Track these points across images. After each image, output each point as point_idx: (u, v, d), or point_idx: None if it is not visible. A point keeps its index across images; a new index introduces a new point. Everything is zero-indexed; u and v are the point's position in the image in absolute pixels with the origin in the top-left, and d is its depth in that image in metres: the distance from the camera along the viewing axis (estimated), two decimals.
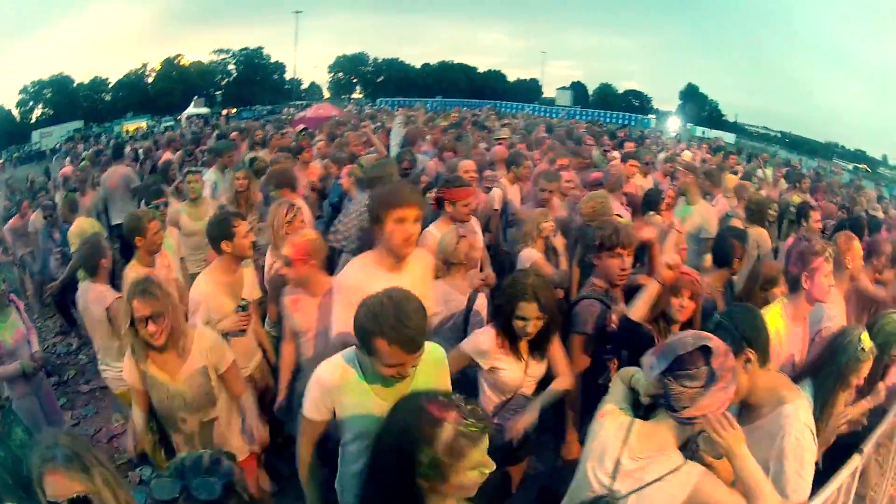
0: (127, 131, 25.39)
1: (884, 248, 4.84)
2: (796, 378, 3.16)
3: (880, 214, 10.88)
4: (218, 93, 30.57)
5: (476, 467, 1.87)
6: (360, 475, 2.45)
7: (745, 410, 2.50)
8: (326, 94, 32.76)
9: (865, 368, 3.00)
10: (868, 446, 3.36)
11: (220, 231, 4.03)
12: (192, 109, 28.02)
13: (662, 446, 2.13)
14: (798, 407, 2.37)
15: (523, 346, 3.27)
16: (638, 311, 3.26)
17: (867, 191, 14.73)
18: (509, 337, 3.21)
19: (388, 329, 2.23)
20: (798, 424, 2.32)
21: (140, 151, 13.40)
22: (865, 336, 3.04)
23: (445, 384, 2.68)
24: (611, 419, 2.27)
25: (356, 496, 2.54)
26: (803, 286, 3.27)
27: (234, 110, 29.52)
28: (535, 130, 12.89)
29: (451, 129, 12.42)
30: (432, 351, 2.60)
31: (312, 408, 2.57)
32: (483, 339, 3.26)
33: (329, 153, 9.02)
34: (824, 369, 3.12)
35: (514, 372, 3.26)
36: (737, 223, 5.75)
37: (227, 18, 28.78)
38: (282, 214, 4.37)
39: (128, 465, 4.17)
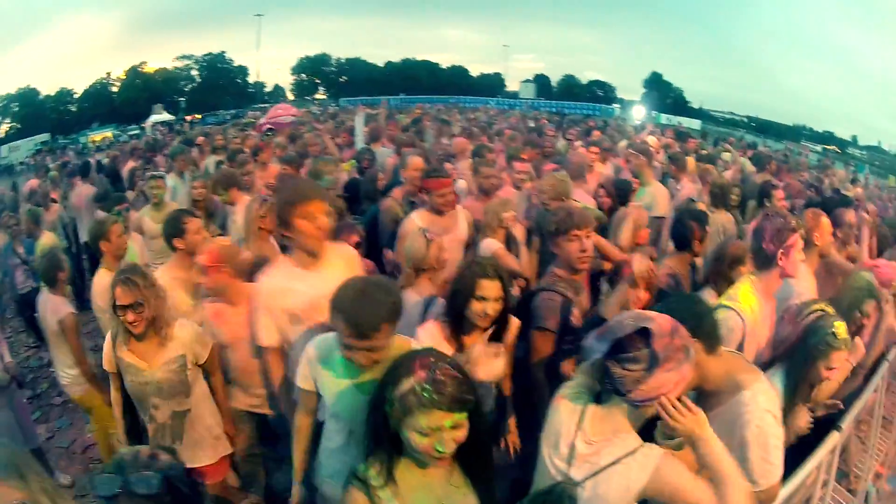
0: (93, 142, 25.48)
1: (848, 222, 4.86)
2: (772, 360, 3.17)
3: (853, 194, 10.97)
4: (182, 99, 30.72)
5: (424, 434, 1.90)
6: (335, 453, 2.70)
7: (702, 398, 2.43)
8: (290, 97, 32.97)
9: (836, 358, 2.91)
10: (847, 423, 3.38)
11: (172, 229, 4.27)
12: (156, 117, 28.07)
13: (617, 429, 2.10)
14: (756, 392, 2.32)
15: (470, 339, 3.13)
16: (613, 310, 3.23)
17: (836, 170, 14.94)
18: (455, 328, 3.11)
19: (344, 306, 2.36)
20: (758, 411, 2.28)
21: (103, 162, 13.25)
22: (841, 326, 2.97)
23: None
24: (565, 403, 2.24)
25: (332, 473, 2.71)
26: (778, 263, 3.24)
27: (199, 116, 29.68)
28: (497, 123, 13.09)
29: (412, 126, 12.73)
30: None
31: (301, 377, 2.72)
32: (424, 334, 3.14)
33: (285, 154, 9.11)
34: (795, 352, 3.06)
35: None
36: (701, 207, 5.72)
37: (189, 24, 28.81)
38: (255, 209, 4.48)
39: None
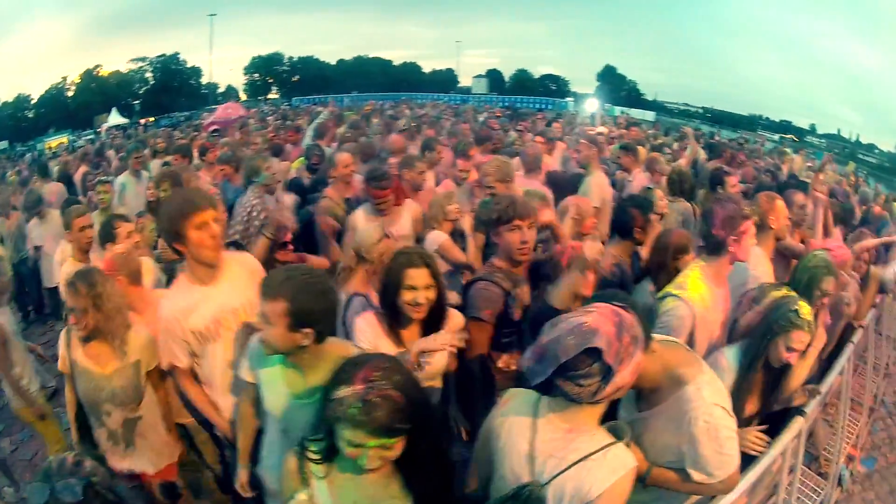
0: (49, 148, 25.47)
1: (800, 205, 4.88)
2: (730, 341, 3.17)
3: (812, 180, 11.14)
4: (136, 102, 31.12)
5: (350, 444, 1.90)
6: (272, 446, 2.77)
7: (644, 395, 2.39)
8: (243, 97, 33.49)
9: (797, 338, 2.88)
10: (810, 408, 3.36)
11: (103, 233, 4.41)
12: (111, 121, 28.02)
13: (578, 424, 2.03)
14: (700, 386, 2.25)
15: (409, 335, 3.10)
16: (562, 298, 3.21)
17: (794, 157, 15.18)
18: (392, 321, 3.09)
19: (289, 295, 2.35)
20: (704, 406, 2.21)
21: (55, 168, 13.02)
22: (805, 306, 2.95)
23: None
24: (516, 400, 2.19)
25: (270, 465, 2.78)
26: (728, 249, 3.23)
27: (153, 119, 29.79)
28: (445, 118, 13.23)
29: (360, 122, 12.78)
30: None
31: (243, 368, 2.78)
32: (362, 322, 3.15)
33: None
34: (755, 329, 3.04)
35: None
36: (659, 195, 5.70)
37: (144, 25, 29.33)
38: None
39: None
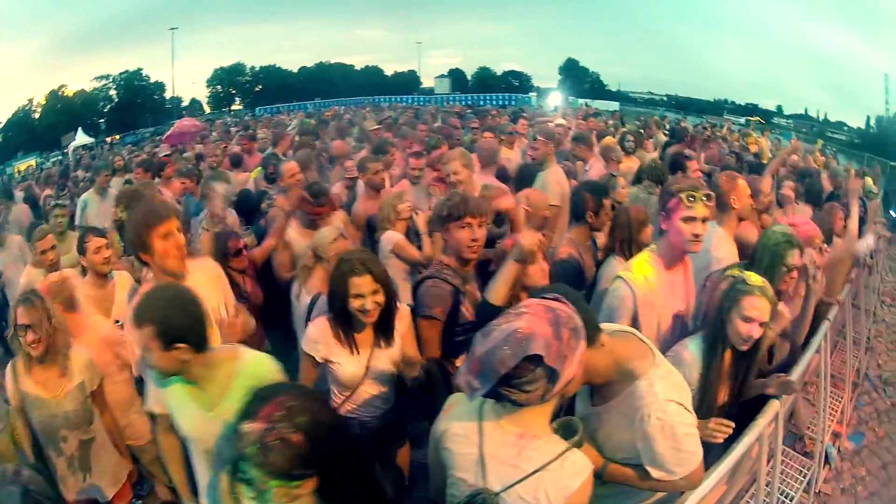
0: (18, 171, 24.92)
1: (763, 188, 4.83)
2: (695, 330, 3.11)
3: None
4: (101, 120, 30.69)
5: (253, 480, 1.83)
6: (199, 471, 2.75)
7: (596, 391, 2.32)
8: (207, 109, 33.37)
9: (749, 305, 2.80)
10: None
11: (78, 248, 4.46)
12: (77, 141, 27.64)
13: (529, 427, 1.96)
14: (652, 380, 2.17)
15: (364, 337, 3.18)
16: (499, 293, 3.10)
17: (759, 138, 15.28)
18: (345, 327, 3.14)
19: (153, 318, 2.39)
20: (656, 402, 2.13)
21: (20, 192, 13.01)
22: (752, 274, 2.91)
23: None
24: (460, 405, 2.12)
25: (204, 491, 2.77)
26: (661, 227, 3.21)
27: (118, 137, 29.68)
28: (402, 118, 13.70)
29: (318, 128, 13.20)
30: (256, 363, 2.69)
31: (151, 399, 2.80)
32: (314, 329, 3.21)
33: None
34: (710, 313, 2.97)
35: (350, 366, 3.17)
36: (621, 182, 5.65)
37: (106, 42, 28.86)
38: None
39: None
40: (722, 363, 2.89)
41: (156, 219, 3.10)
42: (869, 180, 12.61)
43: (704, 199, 3.07)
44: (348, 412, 3.27)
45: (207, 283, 3.36)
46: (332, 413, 1.94)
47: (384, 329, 3.19)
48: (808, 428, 5.18)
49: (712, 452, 2.74)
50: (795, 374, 3.46)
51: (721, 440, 2.75)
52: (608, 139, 8.09)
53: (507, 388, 1.81)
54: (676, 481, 2.21)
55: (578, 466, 1.93)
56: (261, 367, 2.67)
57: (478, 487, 1.96)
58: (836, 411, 5.60)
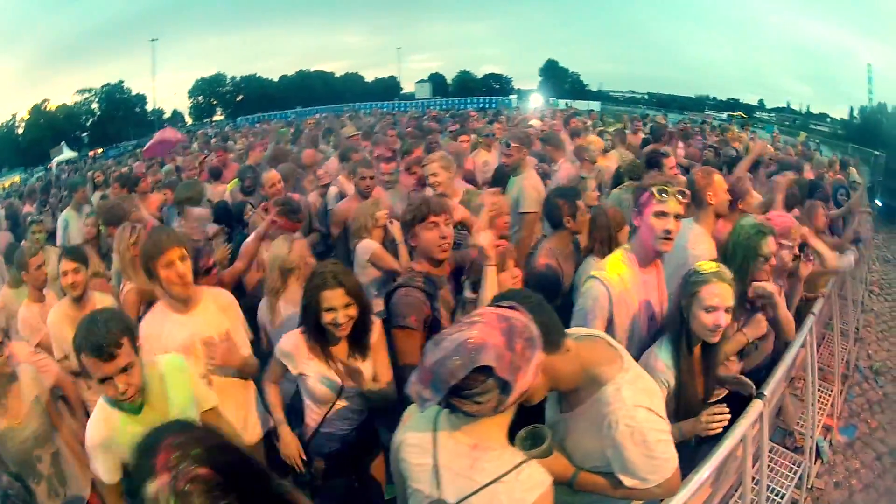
0: (3, 188, 24.88)
1: (742, 185, 4.79)
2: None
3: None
4: (84, 134, 31.02)
5: None
6: None
7: (563, 397, 2.27)
8: (189, 120, 33.70)
9: (707, 294, 2.76)
10: (769, 390, 3.28)
11: (17, 263, 4.66)
12: (60, 156, 27.73)
13: (483, 439, 1.91)
14: (619, 386, 2.11)
15: (338, 350, 3.18)
16: (488, 299, 3.01)
17: (738, 132, 15.33)
18: (319, 341, 3.14)
19: (80, 340, 2.44)
20: (624, 408, 2.07)
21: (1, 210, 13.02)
22: (705, 263, 2.89)
23: (206, 397, 3.01)
24: (415, 417, 2.10)
25: None
26: (634, 223, 3.16)
27: (101, 150, 29.89)
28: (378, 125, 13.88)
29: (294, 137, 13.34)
30: (170, 360, 2.90)
31: (103, 471, 2.68)
32: (287, 341, 3.22)
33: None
34: (671, 315, 2.97)
35: (325, 381, 3.17)
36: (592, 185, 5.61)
37: (87, 55, 29.29)
38: (126, 237, 4.54)
39: None
40: (692, 361, 2.86)
41: (157, 250, 3.22)
42: (853, 170, 12.69)
43: (677, 194, 3.01)
44: (324, 426, 3.26)
45: (216, 311, 3.47)
46: (213, 432, 1.84)
47: (358, 342, 3.20)
48: (798, 423, 5.14)
49: (699, 454, 2.72)
50: (780, 371, 3.45)
51: (720, 430, 2.73)
52: (582, 139, 8.07)
53: (458, 399, 1.78)
54: (652, 489, 2.16)
55: (535, 479, 1.88)
56: (175, 360, 2.92)
57: (433, 499, 1.94)
58: (826, 405, 5.57)
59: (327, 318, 3.01)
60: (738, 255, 3.39)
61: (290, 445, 3.28)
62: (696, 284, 2.78)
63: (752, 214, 3.87)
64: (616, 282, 3.01)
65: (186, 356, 3.19)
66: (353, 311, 3.04)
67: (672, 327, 2.90)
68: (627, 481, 2.12)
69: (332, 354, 3.16)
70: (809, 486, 4.72)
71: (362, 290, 3.18)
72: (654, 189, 3.01)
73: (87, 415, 3.41)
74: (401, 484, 2.14)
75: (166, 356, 2.92)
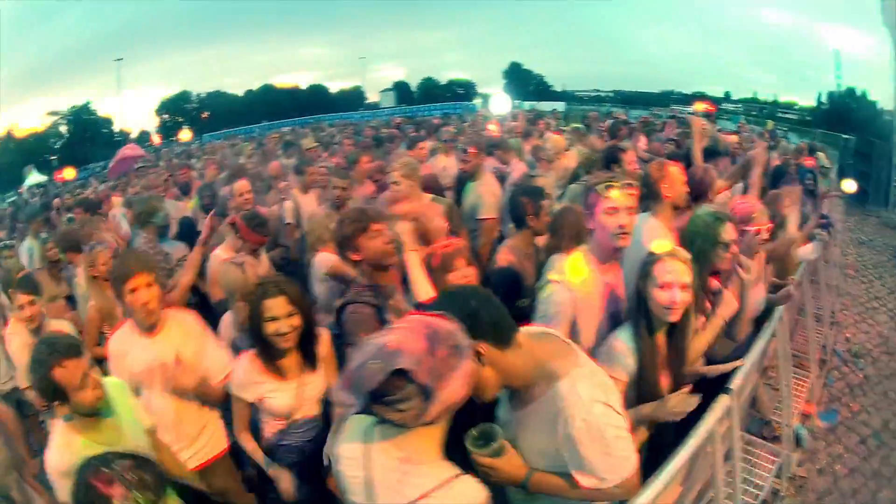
0: None
1: (708, 175, 4.76)
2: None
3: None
4: (54, 158, 30.74)
5: None
6: None
7: (516, 394, 2.18)
8: (158, 139, 33.26)
9: (661, 271, 2.74)
10: (735, 384, 3.22)
11: None
12: (30, 180, 27.50)
13: (413, 451, 1.87)
14: (575, 381, 2.04)
15: (289, 364, 3.16)
16: (420, 289, 3.08)
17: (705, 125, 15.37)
18: (268, 355, 3.12)
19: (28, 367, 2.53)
20: (579, 404, 2.00)
21: None
22: (658, 244, 2.88)
23: (143, 417, 3.02)
24: (352, 425, 2.06)
25: None
26: (590, 227, 3.15)
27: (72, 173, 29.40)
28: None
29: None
30: (112, 381, 2.92)
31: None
32: (238, 369, 3.21)
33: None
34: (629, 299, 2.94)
35: (282, 397, 3.17)
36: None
37: (55, 77, 29.33)
38: (86, 260, 4.67)
39: None
40: (654, 345, 2.81)
41: (122, 275, 3.27)
42: (822, 155, 12.77)
43: (623, 187, 2.99)
44: (283, 439, 3.26)
45: (179, 336, 3.45)
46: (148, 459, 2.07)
47: (307, 353, 3.20)
48: (774, 412, 5.10)
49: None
50: (748, 363, 3.39)
51: (686, 413, 2.70)
52: (538, 139, 8.08)
53: (379, 405, 1.75)
54: (611, 490, 2.08)
55: (467, 495, 1.83)
56: (116, 382, 2.97)
57: None
58: (803, 391, 5.54)
59: (270, 328, 2.99)
60: (696, 245, 3.32)
61: (284, 483, 3.22)
62: (649, 264, 2.77)
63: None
64: (579, 284, 3.00)
65: (150, 378, 3.33)
66: (296, 321, 3.03)
67: (632, 310, 2.88)
68: (584, 480, 2.05)
69: (284, 367, 3.14)
70: (791, 476, 4.68)
71: (306, 299, 3.19)
72: (599, 187, 3.00)
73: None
74: (342, 496, 2.10)
75: (108, 378, 2.89)
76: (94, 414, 2.66)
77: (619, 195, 2.97)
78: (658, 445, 2.82)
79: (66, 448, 2.60)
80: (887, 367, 6.55)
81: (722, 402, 3.01)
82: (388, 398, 1.72)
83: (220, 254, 4.77)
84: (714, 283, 3.36)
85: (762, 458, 4.59)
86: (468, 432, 2.01)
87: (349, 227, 3.31)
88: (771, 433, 4.98)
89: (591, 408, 2.00)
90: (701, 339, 3.10)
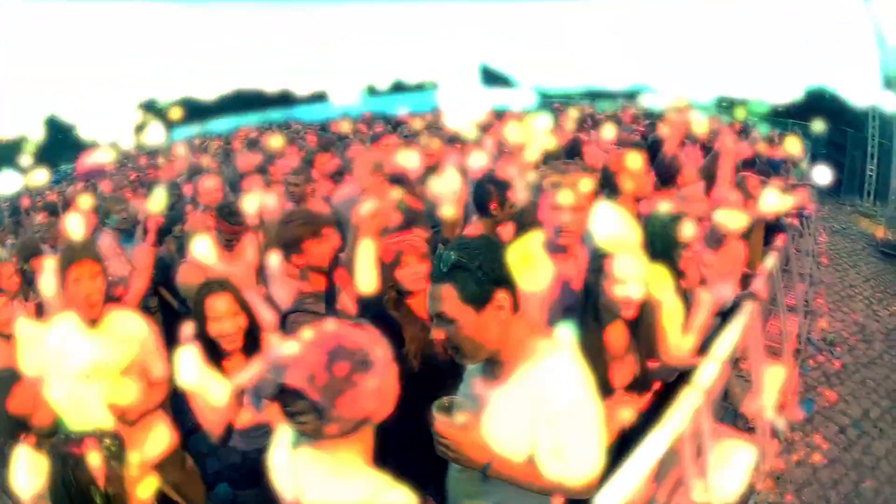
0: None
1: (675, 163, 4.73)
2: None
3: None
4: (26, 162, 29.67)
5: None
6: None
7: (493, 367, 2.11)
8: (126, 139, 32.29)
9: (614, 265, 2.71)
10: (700, 381, 3.09)
11: None
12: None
13: (334, 462, 1.78)
14: (564, 360, 2.02)
15: (231, 364, 2.97)
16: (364, 280, 3.12)
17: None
18: (213, 358, 2.95)
19: None
20: (569, 383, 1.98)
21: None
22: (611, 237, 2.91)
23: None
24: (283, 438, 1.98)
25: None
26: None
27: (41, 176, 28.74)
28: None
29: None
30: None
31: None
32: (185, 358, 2.94)
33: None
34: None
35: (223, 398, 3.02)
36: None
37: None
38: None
39: None
40: (602, 339, 2.80)
41: (66, 261, 3.11)
42: (793, 144, 12.87)
43: (570, 186, 2.98)
44: (244, 439, 3.12)
45: (118, 337, 3.25)
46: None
47: (252, 354, 3.03)
48: (748, 404, 5.06)
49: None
50: (714, 358, 3.31)
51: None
52: (503, 133, 8.08)
53: (284, 415, 1.75)
54: (571, 485, 2.01)
55: None
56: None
57: None
58: (778, 381, 5.50)
59: (213, 328, 2.91)
60: (657, 246, 3.30)
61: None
62: (602, 258, 2.76)
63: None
64: (530, 279, 2.93)
65: (84, 376, 3.15)
66: (241, 321, 2.95)
67: (580, 302, 2.88)
68: (552, 466, 1.99)
69: (225, 369, 3.00)
70: (767, 468, 4.63)
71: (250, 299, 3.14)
72: (545, 183, 3.03)
73: None
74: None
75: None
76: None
77: (563, 194, 2.96)
78: (627, 442, 2.74)
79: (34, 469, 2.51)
80: (864, 356, 6.59)
81: (688, 397, 2.92)
82: (286, 409, 1.71)
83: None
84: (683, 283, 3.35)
85: (737, 451, 4.54)
86: (439, 400, 1.96)
87: (298, 230, 3.25)
88: (746, 425, 4.94)
89: (578, 390, 1.98)
90: (679, 335, 3.16)
